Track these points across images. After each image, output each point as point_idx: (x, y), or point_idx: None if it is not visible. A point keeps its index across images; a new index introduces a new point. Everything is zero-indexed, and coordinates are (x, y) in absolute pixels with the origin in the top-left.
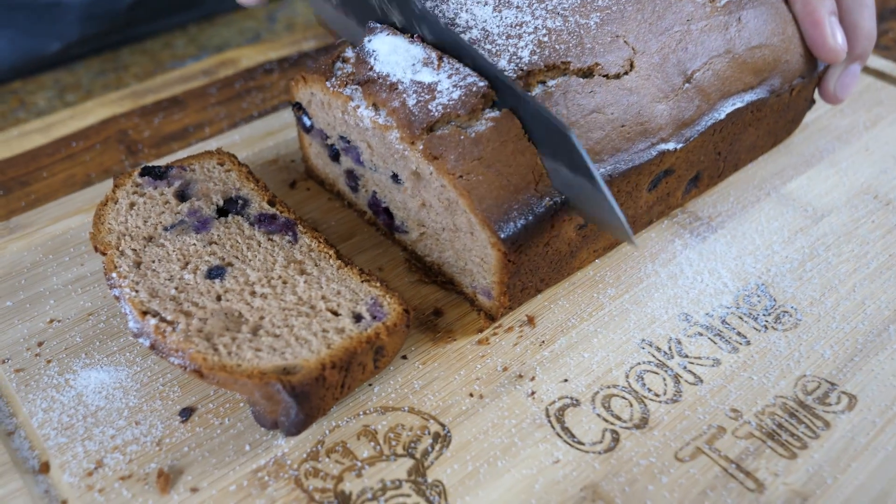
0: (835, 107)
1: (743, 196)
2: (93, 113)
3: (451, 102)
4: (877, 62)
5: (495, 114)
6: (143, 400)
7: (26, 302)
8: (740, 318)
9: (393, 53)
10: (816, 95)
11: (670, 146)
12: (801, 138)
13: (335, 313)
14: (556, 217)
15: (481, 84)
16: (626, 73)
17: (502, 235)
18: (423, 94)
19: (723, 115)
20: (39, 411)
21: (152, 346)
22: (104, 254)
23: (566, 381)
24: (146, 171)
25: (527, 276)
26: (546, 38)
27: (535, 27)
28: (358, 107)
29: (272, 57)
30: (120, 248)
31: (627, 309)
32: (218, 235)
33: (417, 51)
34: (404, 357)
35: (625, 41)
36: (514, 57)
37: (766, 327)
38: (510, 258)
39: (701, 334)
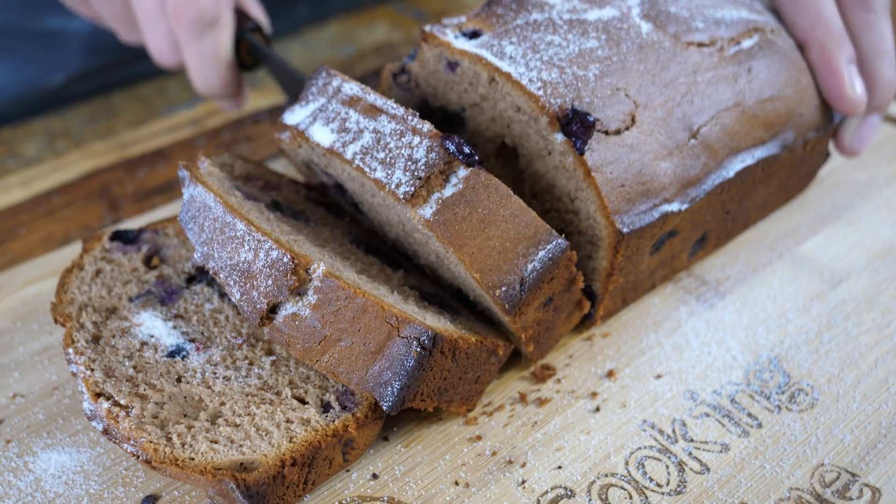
0: (852, 159)
1: (753, 258)
2: (76, 166)
3: (268, 289)
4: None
5: (317, 283)
6: (104, 486)
7: None
8: (751, 396)
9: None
10: (832, 148)
11: (674, 207)
12: (816, 193)
13: (302, 401)
14: (433, 358)
15: (286, 259)
16: (626, 128)
17: (385, 407)
18: (243, 284)
19: (731, 174)
20: None
21: (105, 431)
22: (64, 326)
23: (560, 468)
24: (116, 236)
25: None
26: (540, 92)
27: (530, 79)
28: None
29: (262, 106)
30: (80, 321)
31: (628, 385)
32: (185, 308)
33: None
34: (385, 438)
35: (626, 94)
36: None
37: (780, 407)
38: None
39: (708, 415)
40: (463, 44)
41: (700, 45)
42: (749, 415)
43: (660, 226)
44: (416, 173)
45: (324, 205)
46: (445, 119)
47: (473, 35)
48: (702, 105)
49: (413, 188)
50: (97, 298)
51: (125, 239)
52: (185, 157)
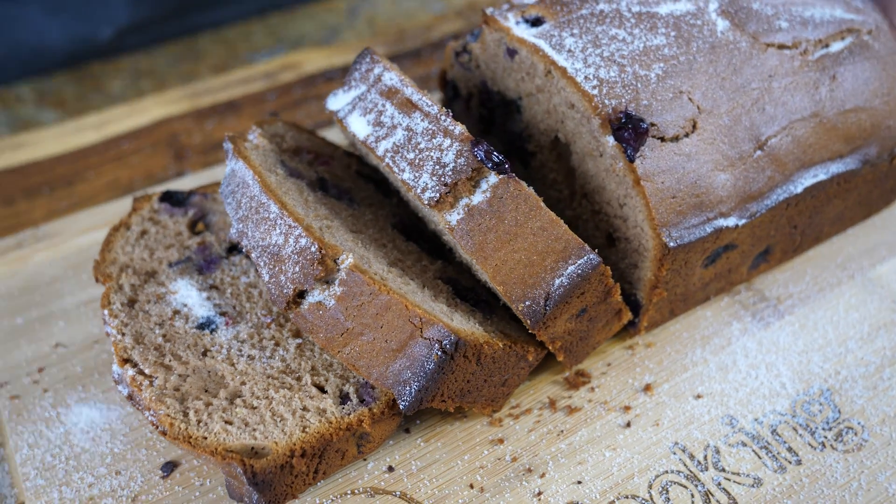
0: None
1: (821, 276)
2: (149, 112)
3: (295, 276)
4: None
5: (343, 275)
6: (128, 447)
7: (37, 321)
8: (794, 429)
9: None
10: None
11: (730, 222)
12: None
13: (321, 389)
14: (455, 362)
15: (314, 249)
16: (686, 135)
17: (402, 406)
18: (272, 266)
19: (799, 189)
20: (25, 446)
21: (129, 397)
22: (104, 285)
23: (580, 482)
24: (166, 197)
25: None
26: (595, 92)
27: (586, 76)
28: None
29: (336, 63)
30: (119, 283)
31: (664, 402)
32: (221, 279)
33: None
34: (407, 430)
35: (689, 98)
36: None
37: (824, 445)
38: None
39: (745, 444)
40: (523, 31)
41: (781, 46)
42: (789, 449)
43: (712, 241)
44: (442, 179)
45: (374, 181)
46: (503, 104)
47: (536, 22)
48: (774, 114)
49: (438, 194)
50: (138, 260)
51: (174, 201)
52: (256, 111)
